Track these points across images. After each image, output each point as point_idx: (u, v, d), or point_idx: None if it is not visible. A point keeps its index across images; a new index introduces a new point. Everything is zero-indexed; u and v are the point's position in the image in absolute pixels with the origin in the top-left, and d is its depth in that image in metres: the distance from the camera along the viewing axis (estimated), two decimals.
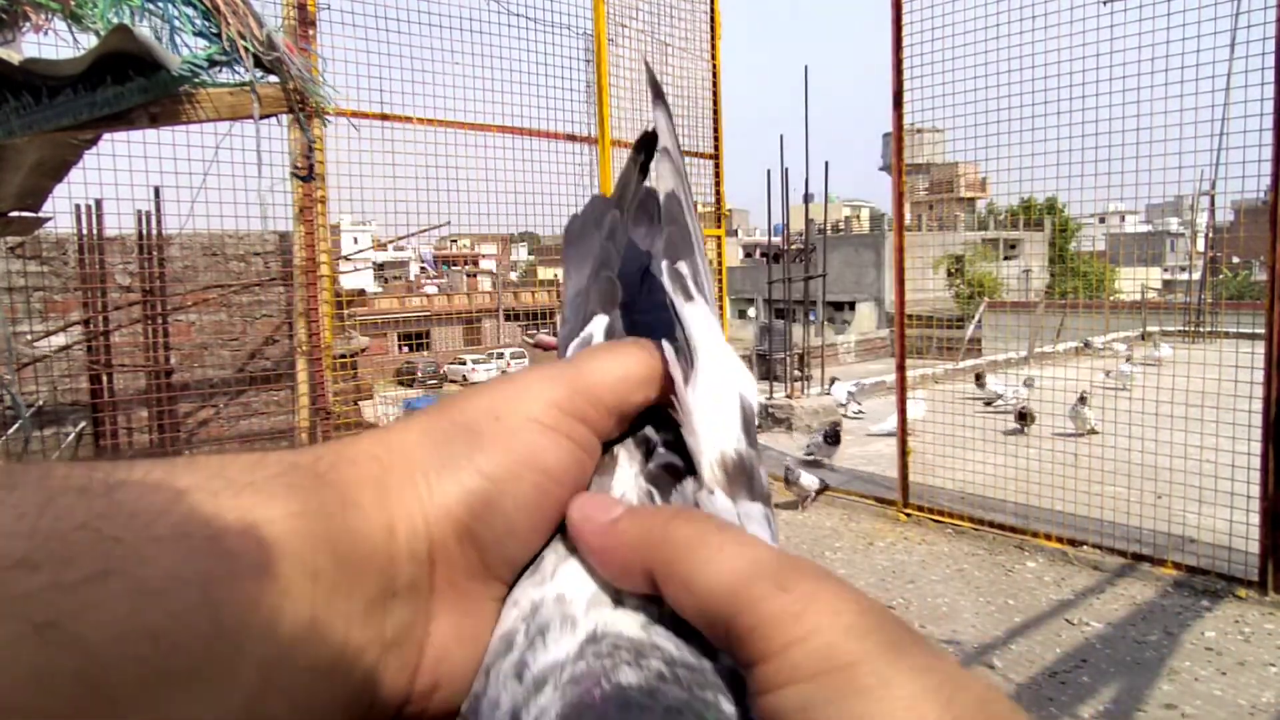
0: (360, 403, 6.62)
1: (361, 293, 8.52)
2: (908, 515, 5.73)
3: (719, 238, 6.86)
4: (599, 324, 0.40)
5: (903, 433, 5.84)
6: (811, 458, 7.04)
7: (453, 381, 28.75)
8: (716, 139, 6.65)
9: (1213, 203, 7.14)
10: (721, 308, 5.94)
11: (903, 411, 5.87)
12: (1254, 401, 4.25)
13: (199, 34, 1.63)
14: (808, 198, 13.15)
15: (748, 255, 53.40)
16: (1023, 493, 5.37)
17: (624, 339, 0.37)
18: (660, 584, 0.26)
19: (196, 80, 1.67)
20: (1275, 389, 4.15)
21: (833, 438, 6.97)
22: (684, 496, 0.32)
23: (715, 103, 6.60)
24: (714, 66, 6.53)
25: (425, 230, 5.76)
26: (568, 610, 0.28)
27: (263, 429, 6.25)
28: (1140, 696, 3.30)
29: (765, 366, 12.61)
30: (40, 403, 5.26)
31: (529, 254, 55.85)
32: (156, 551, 0.21)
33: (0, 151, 2.03)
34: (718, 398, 0.33)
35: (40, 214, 2.76)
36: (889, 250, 9.61)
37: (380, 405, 8.89)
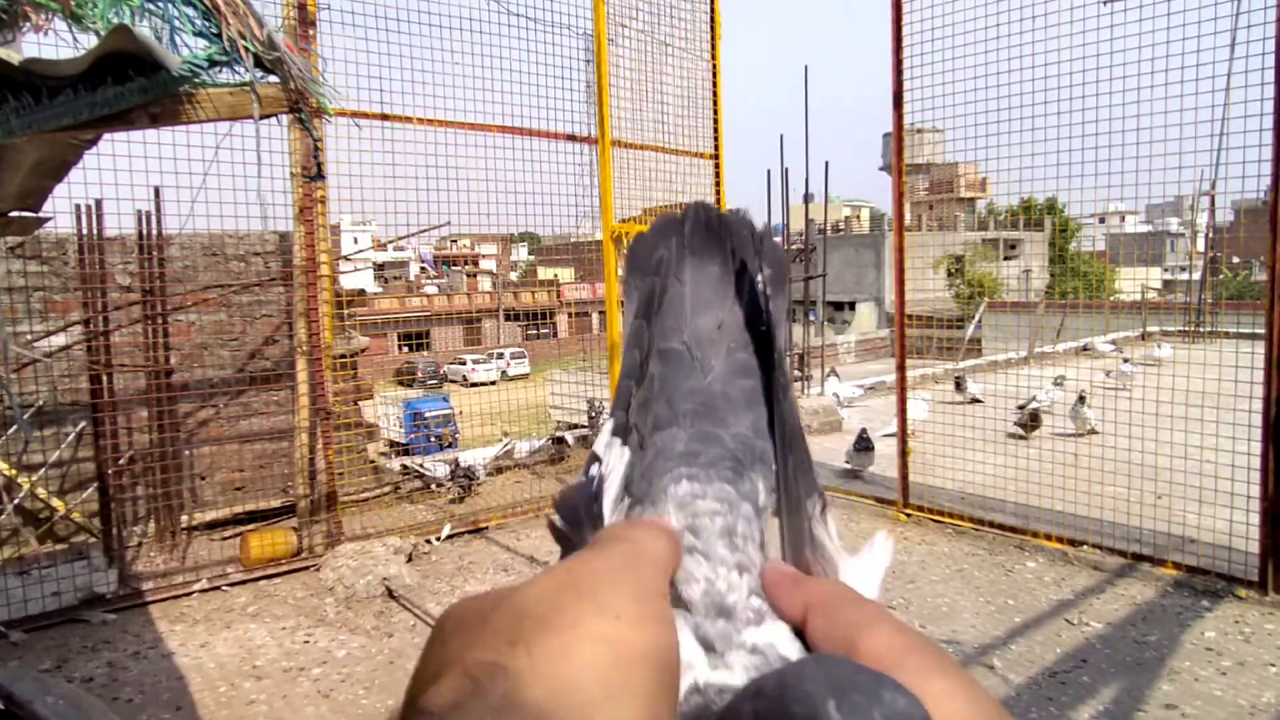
0: (360, 403, 6.62)
1: (361, 293, 8.52)
2: (908, 515, 5.74)
3: None
4: (605, 433, 0.48)
5: (903, 433, 5.84)
6: (849, 467, 6.78)
7: (452, 381, 28.74)
8: (716, 139, 6.65)
9: (1213, 203, 7.14)
10: None
11: (903, 411, 5.87)
12: (1254, 401, 4.25)
13: (199, 34, 1.63)
14: (808, 198, 13.15)
15: None
16: (1023, 493, 5.37)
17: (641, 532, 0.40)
18: (816, 624, 0.36)
19: (196, 80, 1.67)
20: (1275, 389, 4.15)
21: (863, 444, 6.64)
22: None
23: (715, 103, 6.60)
24: (714, 66, 6.53)
25: (425, 230, 5.77)
26: None
27: (263, 429, 6.25)
28: (1140, 696, 3.30)
29: None
30: (40, 403, 5.26)
31: (529, 254, 55.84)
32: None
33: (0, 151, 2.03)
34: None
35: (40, 214, 2.76)
36: (889, 250, 9.60)
37: (380, 405, 8.89)
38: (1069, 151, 4.87)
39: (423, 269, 53.90)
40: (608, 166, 5.51)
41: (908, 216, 5.95)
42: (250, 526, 5.59)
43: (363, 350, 6.70)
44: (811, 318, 13.22)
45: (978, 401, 9.12)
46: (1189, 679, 3.43)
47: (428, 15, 5.26)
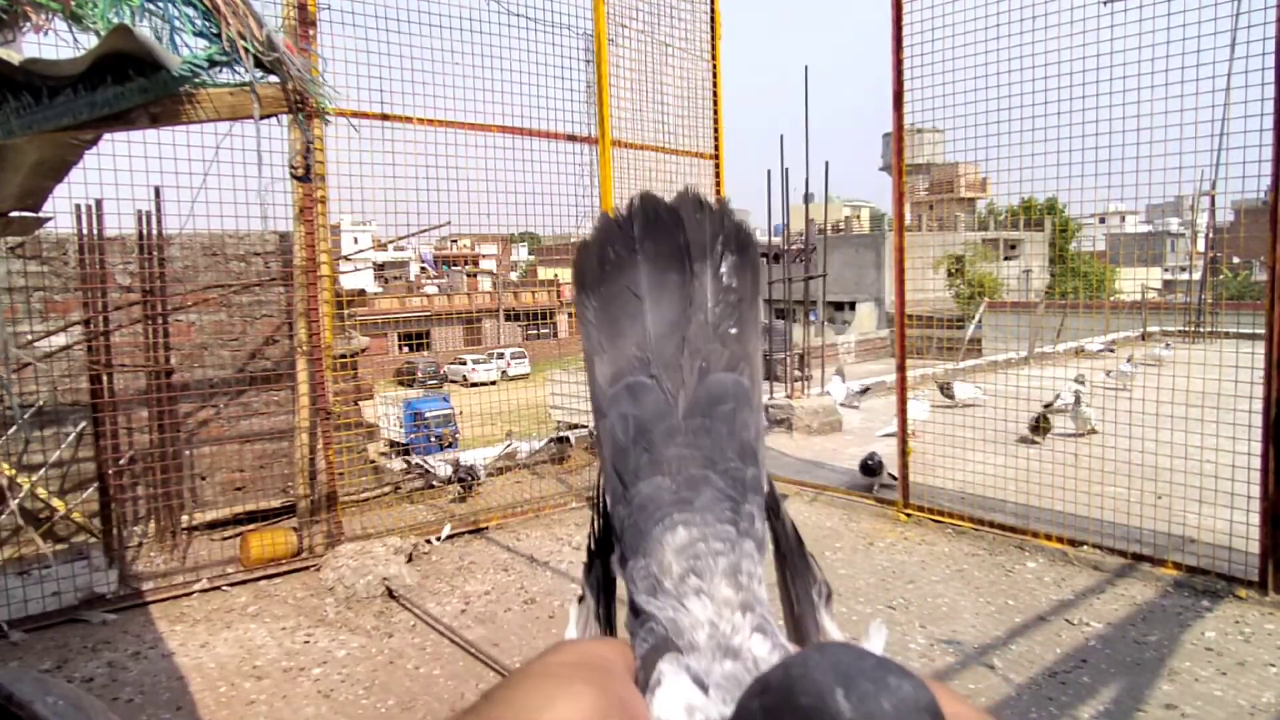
0: (360, 403, 6.62)
1: (361, 293, 8.51)
2: (908, 515, 5.74)
3: None
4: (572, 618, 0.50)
5: (903, 433, 5.84)
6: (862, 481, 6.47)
7: (453, 381, 28.74)
8: (716, 139, 6.65)
9: (1213, 203, 7.14)
10: None
11: (903, 411, 5.87)
12: (1254, 401, 4.25)
13: (199, 34, 1.63)
14: (808, 198, 13.15)
15: None
16: (1023, 493, 5.37)
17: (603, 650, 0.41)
18: None
19: (196, 80, 1.67)
20: (1275, 389, 4.15)
21: (870, 470, 6.13)
22: None
23: (715, 103, 6.60)
24: (714, 66, 6.53)
25: (425, 230, 5.77)
26: None
27: (263, 429, 6.25)
28: (1140, 696, 3.30)
29: (765, 367, 12.61)
30: (40, 403, 5.26)
31: (529, 254, 55.82)
32: None
33: (0, 151, 2.03)
34: None
35: (40, 214, 2.76)
36: (889, 250, 9.59)
37: (380, 405, 8.89)
38: (1069, 151, 4.87)
39: (423, 269, 53.89)
40: (608, 166, 5.51)
41: (908, 216, 5.95)
42: (250, 526, 5.59)
43: (363, 350, 6.70)
44: (812, 318, 13.22)
45: (970, 405, 9.08)
46: (1189, 679, 3.43)
47: (428, 15, 5.26)
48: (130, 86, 1.59)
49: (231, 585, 4.83)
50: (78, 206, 4.91)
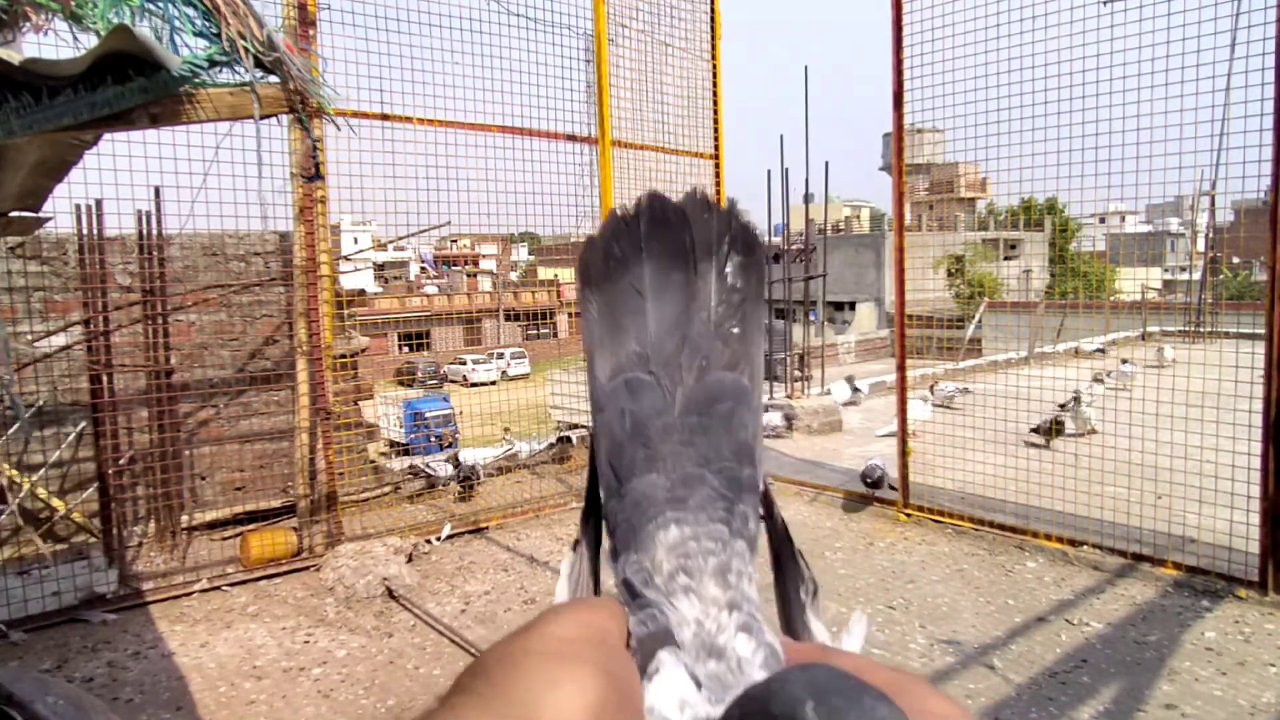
0: (360, 403, 6.62)
1: (361, 293, 8.52)
2: (908, 515, 5.74)
3: None
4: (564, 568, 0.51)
5: (903, 432, 5.84)
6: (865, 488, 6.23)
7: (453, 381, 28.74)
8: (716, 139, 6.65)
9: (1213, 203, 7.15)
10: None
11: (903, 411, 5.87)
12: (1254, 401, 4.25)
13: (199, 34, 1.63)
14: (808, 198, 13.15)
15: None
16: (1023, 493, 5.37)
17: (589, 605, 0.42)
18: None
19: (196, 80, 1.67)
20: (1275, 389, 4.15)
21: (874, 482, 5.86)
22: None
23: (715, 103, 6.60)
24: (714, 66, 6.53)
25: (425, 230, 5.77)
26: None
27: (263, 429, 6.25)
28: (1140, 696, 3.30)
29: (766, 367, 12.62)
30: (40, 403, 5.26)
31: (529, 254, 55.82)
32: None
33: (0, 151, 2.03)
34: None
35: (40, 214, 2.76)
36: (889, 250, 9.59)
37: (380, 405, 8.89)
38: (1069, 151, 4.87)
39: (423, 269, 53.90)
40: (608, 166, 5.52)
41: (908, 216, 5.95)
42: (250, 526, 5.59)
43: (363, 350, 6.70)
44: (812, 318, 13.22)
45: (950, 399, 9.03)
46: (1189, 679, 3.43)
47: (428, 15, 5.26)
48: (130, 86, 1.59)
49: (231, 585, 4.83)
50: (78, 206, 4.91)
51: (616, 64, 5.73)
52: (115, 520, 5.04)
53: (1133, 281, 15.54)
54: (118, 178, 4.47)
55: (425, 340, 34.64)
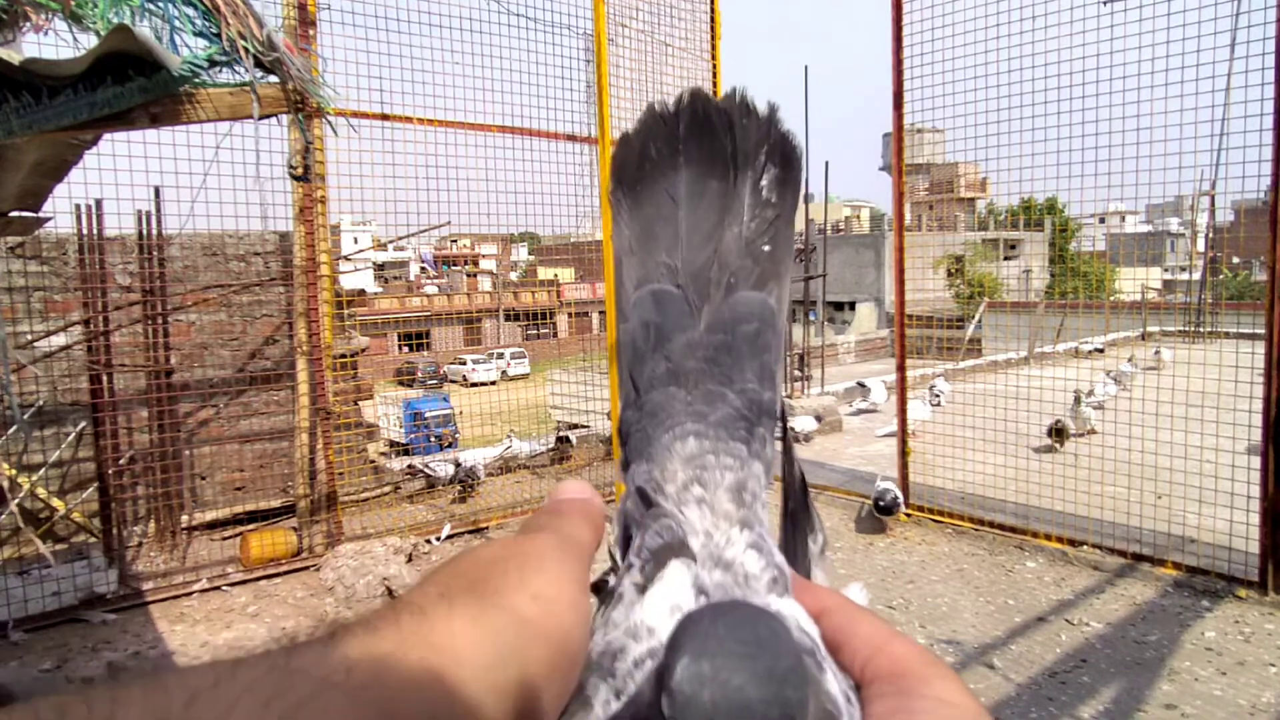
0: (360, 403, 6.62)
1: (361, 293, 8.52)
2: (908, 515, 5.73)
3: None
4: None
5: (903, 433, 5.84)
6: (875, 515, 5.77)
7: (453, 381, 28.72)
8: None
9: (1213, 203, 7.14)
10: None
11: (903, 411, 5.87)
12: (1254, 401, 4.25)
13: (199, 34, 1.63)
14: (808, 198, 13.15)
15: None
16: (1023, 493, 5.37)
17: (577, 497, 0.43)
18: (827, 625, 0.39)
19: (196, 80, 1.67)
20: (1275, 389, 4.15)
21: (883, 509, 5.47)
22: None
23: None
24: (714, 66, 6.53)
25: (425, 230, 5.77)
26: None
27: (263, 429, 6.25)
28: (1140, 696, 3.30)
29: None
30: (40, 403, 5.26)
31: (529, 254, 55.80)
32: None
33: (0, 151, 2.03)
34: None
35: (40, 214, 2.76)
36: (889, 250, 9.59)
37: (380, 405, 8.89)
38: (1069, 151, 4.87)
39: (423, 269, 53.90)
40: (607, 167, 5.51)
41: (908, 216, 5.95)
42: (250, 526, 5.59)
43: (363, 350, 6.69)
44: (811, 318, 13.22)
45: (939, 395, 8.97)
46: (1189, 679, 3.43)
47: (428, 15, 5.26)
48: (130, 86, 1.59)
49: (231, 585, 4.83)
50: (78, 206, 4.91)
51: (616, 64, 5.72)
52: (115, 520, 5.04)
53: (1133, 281, 15.53)
54: (118, 178, 4.47)
55: (425, 340, 34.62)
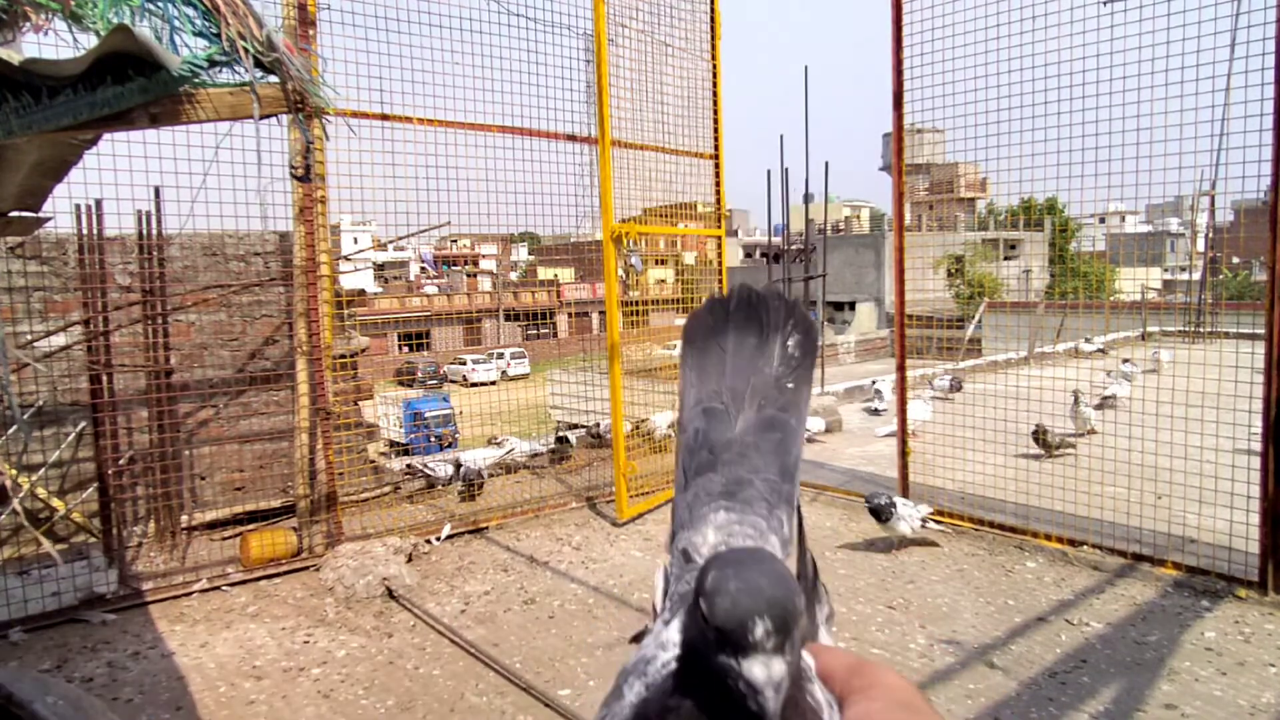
0: (360, 403, 6.62)
1: (361, 293, 8.51)
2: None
3: (719, 238, 6.86)
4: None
5: (903, 432, 5.84)
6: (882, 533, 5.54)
7: (452, 381, 28.73)
8: (716, 139, 6.65)
9: (1213, 203, 7.14)
10: None
11: (903, 411, 5.87)
12: (1254, 402, 4.25)
13: (199, 34, 1.62)
14: (808, 198, 13.15)
15: (748, 255, 53.36)
16: (1023, 493, 5.37)
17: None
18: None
19: (196, 80, 1.67)
20: (1275, 389, 4.15)
21: (884, 515, 5.21)
22: None
23: (715, 103, 6.59)
24: (714, 66, 6.53)
25: (425, 230, 5.76)
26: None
27: (263, 429, 6.25)
28: (1140, 697, 3.30)
29: None
30: (40, 403, 5.26)
31: (529, 254, 55.78)
32: None
33: (0, 151, 2.03)
34: None
35: (40, 214, 2.76)
36: (889, 250, 9.57)
37: (380, 405, 8.89)
38: (1069, 151, 4.86)
39: (423, 269, 53.90)
40: (608, 166, 5.51)
41: (908, 216, 5.95)
42: (250, 526, 5.59)
43: (363, 350, 6.69)
44: (811, 318, 13.23)
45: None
46: (1189, 679, 3.43)
47: (428, 15, 5.26)
48: (130, 86, 1.59)
49: (231, 585, 4.83)
50: (78, 206, 4.91)
51: (616, 64, 5.72)
52: (115, 520, 5.04)
53: (1133, 281, 15.53)
54: (118, 178, 4.47)
55: (425, 340, 34.62)
